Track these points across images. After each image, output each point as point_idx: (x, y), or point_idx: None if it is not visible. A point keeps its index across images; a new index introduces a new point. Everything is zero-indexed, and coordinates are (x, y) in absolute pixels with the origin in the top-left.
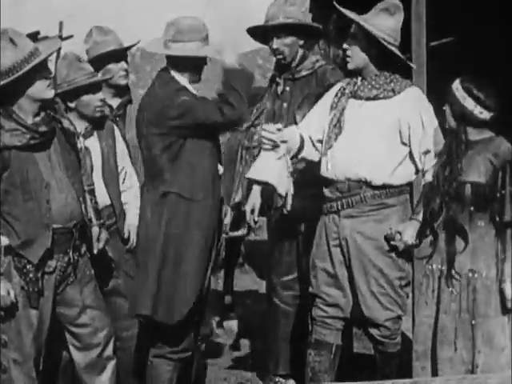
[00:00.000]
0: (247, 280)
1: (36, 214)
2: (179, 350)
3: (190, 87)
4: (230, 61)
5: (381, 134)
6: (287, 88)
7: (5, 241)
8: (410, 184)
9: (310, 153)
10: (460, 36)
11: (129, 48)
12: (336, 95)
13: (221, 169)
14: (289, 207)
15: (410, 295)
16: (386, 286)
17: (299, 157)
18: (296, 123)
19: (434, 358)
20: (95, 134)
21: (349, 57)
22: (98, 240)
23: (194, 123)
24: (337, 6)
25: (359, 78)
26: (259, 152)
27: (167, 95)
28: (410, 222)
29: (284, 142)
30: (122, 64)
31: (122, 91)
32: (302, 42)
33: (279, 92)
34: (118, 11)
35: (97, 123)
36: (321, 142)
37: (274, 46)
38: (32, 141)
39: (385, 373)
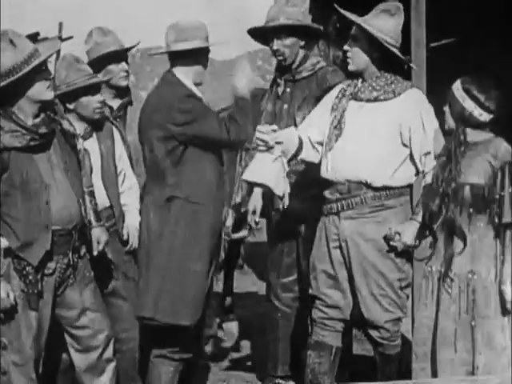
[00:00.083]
0: (247, 281)
1: (35, 215)
2: (181, 350)
3: (197, 91)
4: (241, 86)
5: (381, 136)
6: (288, 89)
7: (4, 242)
8: (410, 186)
9: (309, 154)
10: (460, 37)
11: (129, 49)
12: (336, 97)
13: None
14: (285, 207)
15: (410, 297)
16: (386, 287)
17: (298, 158)
18: (296, 124)
19: (434, 360)
20: (94, 135)
21: (349, 58)
22: (98, 242)
23: (197, 134)
24: (338, 8)
25: (360, 80)
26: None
27: (175, 99)
28: (410, 223)
29: (279, 143)
30: (123, 65)
31: (123, 92)
32: (302, 43)
33: (280, 93)
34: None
35: (96, 125)
36: (321, 143)
37: (275, 47)
38: (32, 142)
39: (385, 374)
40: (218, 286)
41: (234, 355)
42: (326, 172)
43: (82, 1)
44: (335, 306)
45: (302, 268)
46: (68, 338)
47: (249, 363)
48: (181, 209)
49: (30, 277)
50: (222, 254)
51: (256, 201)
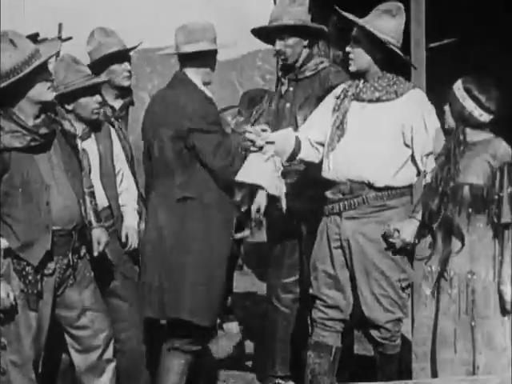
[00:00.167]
0: (246, 282)
1: (36, 215)
2: (194, 343)
3: (208, 92)
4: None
5: (383, 136)
6: (291, 88)
7: (4, 243)
8: (411, 186)
9: (308, 154)
10: (459, 37)
11: (132, 49)
12: (338, 97)
13: None
14: (284, 206)
15: (410, 297)
16: (387, 287)
17: (297, 158)
18: (297, 123)
19: (434, 360)
20: (92, 135)
21: (352, 60)
22: (98, 242)
23: (195, 147)
24: (339, 10)
25: (361, 81)
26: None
27: (189, 100)
28: (409, 221)
29: (270, 143)
30: (126, 65)
31: (125, 92)
32: (305, 43)
33: (283, 92)
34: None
35: (94, 125)
36: (321, 144)
37: (277, 48)
38: (32, 143)
39: (385, 374)
40: None
41: (234, 355)
42: (327, 172)
43: (82, 1)
44: (335, 307)
45: (305, 269)
46: (68, 339)
47: (248, 363)
48: (195, 209)
49: (30, 277)
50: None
51: (261, 199)
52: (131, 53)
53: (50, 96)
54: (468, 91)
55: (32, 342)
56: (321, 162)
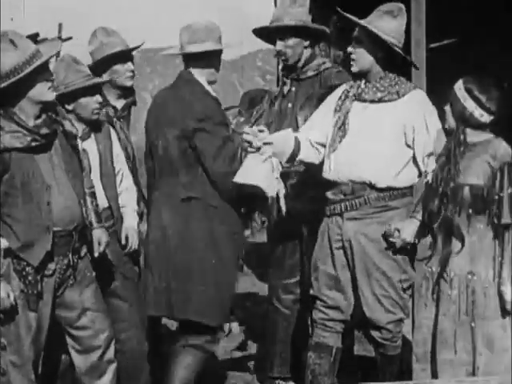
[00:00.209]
0: (247, 282)
1: (36, 216)
2: (208, 340)
3: (212, 92)
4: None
5: (385, 137)
6: (293, 88)
7: (4, 243)
8: (412, 186)
9: (308, 155)
10: (460, 37)
11: (134, 49)
12: (340, 98)
13: None
14: (284, 208)
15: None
16: (388, 288)
17: (297, 159)
18: (297, 124)
19: (434, 361)
20: (92, 136)
21: (353, 60)
22: (99, 243)
23: (196, 147)
24: (340, 11)
25: (363, 81)
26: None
27: (195, 99)
28: (410, 221)
29: (268, 143)
30: (129, 65)
31: (127, 92)
32: (306, 44)
33: (285, 92)
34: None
35: (94, 125)
36: (322, 144)
37: (277, 48)
38: (33, 143)
39: (386, 375)
40: None
41: (234, 356)
42: (328, 173)
43: (82, 1)
44: (336, 307)
45: (305, 269)
46: (68, 339)
47: (248, 364)
48: (199, 209)
49: (30, 277)
50: None
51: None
52: (132, 52)
53: (50, 96)
54: (469, 91)
55: (32, 343)
56: (321, 163)
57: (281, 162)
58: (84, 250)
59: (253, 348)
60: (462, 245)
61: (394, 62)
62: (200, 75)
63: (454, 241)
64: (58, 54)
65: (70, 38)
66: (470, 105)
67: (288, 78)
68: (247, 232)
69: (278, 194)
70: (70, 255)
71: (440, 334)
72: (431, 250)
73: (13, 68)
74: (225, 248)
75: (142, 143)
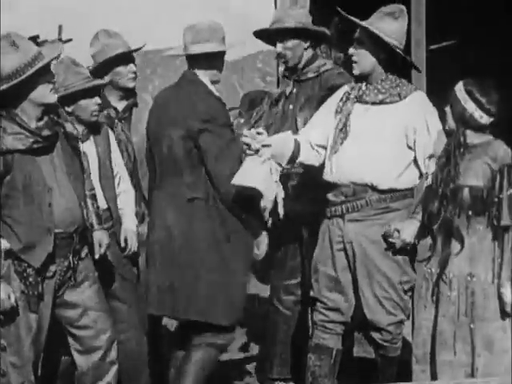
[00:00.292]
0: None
1: (38, 218)
2: (222, 338)
3: (216, 92)
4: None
5: (387, 139)
6: (294, 89)
7: (5, 244)
8: (413, 188)
9: (308, 157)
10: (459, 37)
11: (136, 50)
12: (341, 100)
13: None
14: (281, 211)
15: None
16: (389, 290)
17: (297, 162)
18: (297, 125)
19: (433, 362)
20: (91, 138)
21: (355, 62)
22: (100, 245)
23: (200, 148)
24: (342, 12)
25: (364, 83)
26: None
27: (198, 99)
28: (410, 221)
29: (266, 146)
30: (131, 66)
31: (129, 94)
32: (307, 45)
33: (287, 93)
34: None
35: (93, 127)
36: (322, 146)
37: (277, 50)
38: (35, 145)
39: (386, 377)
40: None
41: (234, 357)
42: (329, 174)
43: (82, 1)
44: (336, 309)
45: (305, 271)
46: (70, 339)
47: (248, 366)
48: (205, 210)
49: (31, 279)
50: None
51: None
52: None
53: (52, 98)
54: (469, 93)
55: (32, 344)
56: (322, 165)
57: (280, 165)
58: (85, 251)
59: (255, 349)
60: (462, 246)
61: (395, 63)
62: (203, 75)
63: (453, 242)
64: (57, 56)
65: (70, 40)
66: (470, 106)
67: (290, 79)
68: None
69: (276, 197)
70: (71, 257)
71: (439, 336)
72: (431, 252)
73: (15, 70)
74: (228, 248)
75: (142, 144)
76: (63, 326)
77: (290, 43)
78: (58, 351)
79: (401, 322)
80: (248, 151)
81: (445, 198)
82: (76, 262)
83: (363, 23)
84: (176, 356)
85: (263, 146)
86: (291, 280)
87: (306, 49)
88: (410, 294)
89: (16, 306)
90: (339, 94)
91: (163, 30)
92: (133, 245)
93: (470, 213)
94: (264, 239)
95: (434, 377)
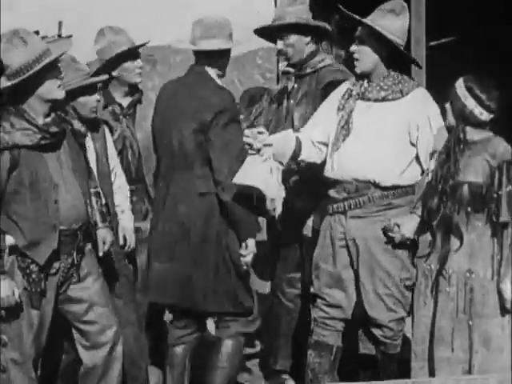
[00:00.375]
0: None
1: (43, 214)
2: (246, 325)
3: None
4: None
5: (390, 135)
6: (295, 85)
7: (9, 240)
8: (415, 184)
9: (310, 155)
10: (459, 35)
11: (141, 46)
12: (343, 97)
13: None
14: (279, 211)
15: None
16: (391, 287)
17: (299, 159)
18: (293, 121)
19: (431, 358)
20: (89, 134)
21: (357, 60)
22: (104, 242)
23: (209, 139)
24: (343, 9)
25: (366, 80)
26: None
27: (211, 94)
28: (410, 216)
29: (267, 145)
30: (138, 62)
31: (134, 90)
32: (307, 40)
33: (289, 89)
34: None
35: (92, 124)
36: (324, 143)
37: (278, 47)
38: (42, 141)
39: (386, 373)
40: None
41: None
42: (331, 171)
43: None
44: (337, 306)
45: (305, 267)
46: (76, 335)
47: (248, 362)
48: (215, 204)
49: (34, 275)
50: None
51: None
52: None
53: (60, 94)
54: (469, 90)
55: (33, 341)
56: (323, 162)
57: (282, 163)
58: (88, 247)
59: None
60: (461, 242)
61: (396, 60)
62: (211, 70)
63: (452, 238)
64: (65, 52)
65: (69, 37)
66: (470, 103)
67: (293, 74)
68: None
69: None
70: (75, 254)
71: (437, 332)
72: (430, 248)
73: (23, 66)
74: (235, 241)
75: (146, 141)
76: (70, 321)
77: (291, 39)
78: (59, 349)
79: (402, 319)
80: (250, 151)
81: (444, 194)
82: (79, 260)
83: (366, 21)
84: (173, 353)
85: (264, 145)
86: (295, 273)
87: (307, 44)
88: (410, 290)
89: (20, 301)
90: (341, 90)
91: (163, 29)
92: (131, 242)
93: (470, 209)
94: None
95: (432, 373)
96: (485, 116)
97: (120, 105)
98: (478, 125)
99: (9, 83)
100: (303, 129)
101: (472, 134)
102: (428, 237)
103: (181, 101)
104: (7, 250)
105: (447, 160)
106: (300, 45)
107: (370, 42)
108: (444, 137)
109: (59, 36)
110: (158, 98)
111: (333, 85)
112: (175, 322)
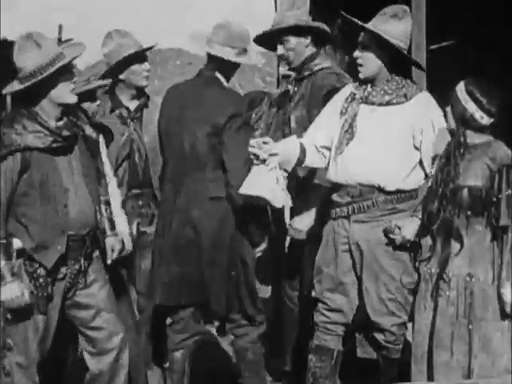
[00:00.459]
0: None
1: (53, 218)
2: (257, 324)
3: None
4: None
5: (394, 140)
6: (295, 88)
7: (17, 244)
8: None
9: (313, 161)
10: (460, 38)
11: (149, 49)
12: (346, 101)
13: None
14: (288, 221)
15: None
16: (395, 292)
17: (303, 166)
18: (290, 124)
19: (430, 362)
20: (101, 139)
21: (361, 66)
22: (112, 250)
23: (222, 142)
24: (345, 15)
25: (369, 84)
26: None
27: (227, 99)
28: (411, 219)
29: (273, 155)
30: (146, 64)
31: (140, 93)
32: (307, 42)
33: (291, 92)
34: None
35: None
36: (327, 148)
37: (278, 53)
38: (54, 144)
39: (387, 378)
40: None
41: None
42: (335, 175)
43: (82, 1)
44: (338, 310)
45: (305, 271)
46: (82, 342)
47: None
48: (227, 208)
49: (41, 279)
50: None
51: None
52: None
53: (72, 99)
54: (470, 93)
55: (38, 345)
56: (326, 167)
57: (286, 170)
58: (96, 254)
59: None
60: (461, 246)
61: (399, 64)
62: (219, 74)
63: (453, 242)
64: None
65: (70, 40)
66: (471, 107)
67: (293, 78)
68: (263, 245)
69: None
70: (82, 260)
71: (437, 336)
72: (431, 252)
73: (36, 68)
74: (246, 245)
75: (151, 144)
76: (77, 327)
77: (292, 43)
78: (63, 354)
79: (403, 324)
80: (255, 161)
81: (444, 198)
82: (86, 266)
83: (370, 27)
84: (172, 358)
85: (270, 155)
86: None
87: (307, 46)
88: (412, 294)
89: (29, 303)
90: (344, 94)
91: (163, 30)
92: (129, 246)
93: (470, 213)
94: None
95: (430, 378)
96: (485, 120)
97: (127, 108)
98: (479, 129)
99: (22, 86)
100: (306, 133)
101: (472, 137)
102: (428, 241)
103: (191, 103)
104: (15, 254)
105: (447, 164)
106: (300, 47)
107: (373, 47)
108: (445, 137)
109: (59, 40)
110: (165, 100)
111: (325, 88)
112: (174, 325)
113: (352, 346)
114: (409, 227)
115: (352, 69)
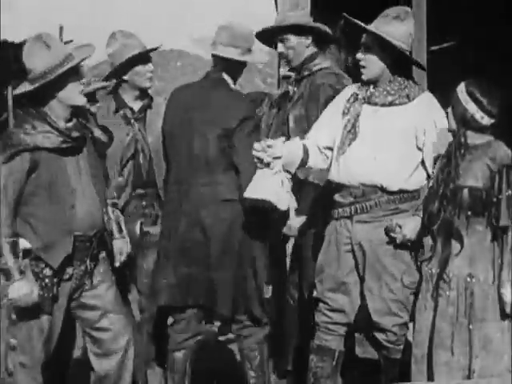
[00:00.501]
0: None
1: (60, 218)
2: (263, 326)
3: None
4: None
5: (397, 140)
6: (295, 88)
7: (24, 244)
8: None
9: (316, 162)
10: (460, 38)
11: (152, 50)
12: (348, 101)
13: None
14: (293, 223)
15: None
16: (398, 292)
17: (306, 167)
18: (288, 124)
19: (430, 362)
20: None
21: (363, 67)
22: (120, 253)
23: (232, 144)
24: (348, 17)
25: (371, 85)
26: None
27: (237, 102)
28: (413, 218)
29: (277, 158)
30: (150, 66)
31: (144, 94)
32: (308, 42)
33: (291, 93)
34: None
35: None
36: (329, 148)
37: (279, 51)
38: (63, 144)
39: (389, 378)
40: None
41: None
42: (337, 176)
43: (82, 1)
44: (340, 310)
45: (304, 271)
46: (88, 344)
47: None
48: (238, 211)
49: (47, 280)
50: None
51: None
52: None
53: (81, 101)
54: (471, 94)
55: (43, 345)
56: (329, 168)
57: (289, 172)
58: (103, 255)
59: None
60: (462, 246)
61: (401, 65)
62: (226, 75)
63: (453, 243)
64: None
65: (70, 41)
66: (472, 107)
67: (293, 78)
68: None
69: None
70: (88, 261)
71: (437, 336)
72: (431, 252)
73: (46, 69)
74: (257, 247)
75: (155, 145)
76: (83, 328)
77: (292, 42)
78: (66, 355)
79: (405, 324)
80: (259, 165)
81: (445, 198)
82: (92, 267)
83: (373, 29)
84: (173, 358)
85: (274, 158)
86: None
87: (307, 46)
88: (414, 294)
89: (38, 302)
90: (346, 94)
91: (163, 30)
92: (128, 249)
93: (470, 213)
94: None
95: (431, 378)
96: (486, 121)
97: (131, 109)
98: (479, 129)
99: (32, 87)
100: (308, 134)
101: (473, 138)
102: (429, 241)
103: (198, 106)
104: (21, 254)
105: (448, 164)
106: (300, 47)
107: (375, 49)
108: (447, 137)
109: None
110: (170, 102)
111: (321, 88)
112: (176, 325)
113: (351, 346)
114: (409, 225)
115: (355, 70)
